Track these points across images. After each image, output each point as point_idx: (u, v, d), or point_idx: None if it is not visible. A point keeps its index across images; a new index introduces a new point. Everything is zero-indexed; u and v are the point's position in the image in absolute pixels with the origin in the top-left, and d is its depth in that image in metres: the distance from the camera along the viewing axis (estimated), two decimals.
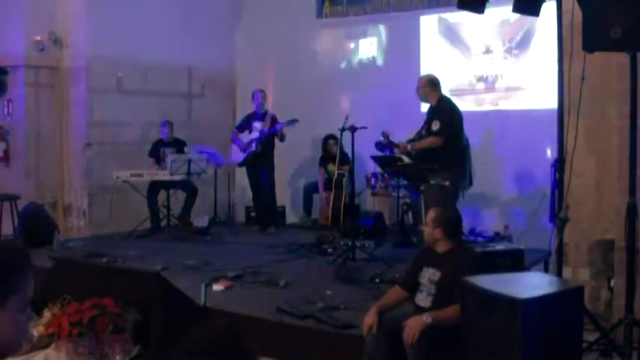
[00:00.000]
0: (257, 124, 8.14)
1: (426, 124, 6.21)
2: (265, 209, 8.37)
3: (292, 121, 7.82)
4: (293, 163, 9.38)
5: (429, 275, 3.77)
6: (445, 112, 6.10)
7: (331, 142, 8.42)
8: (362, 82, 8.84)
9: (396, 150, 6.51)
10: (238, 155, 8.31)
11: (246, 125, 8.27)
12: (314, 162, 8.86)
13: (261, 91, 8.29)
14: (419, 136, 6.28)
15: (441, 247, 3.81)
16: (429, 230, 3.83)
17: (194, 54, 9.02)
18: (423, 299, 3.74)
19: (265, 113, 8.17)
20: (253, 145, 8.08)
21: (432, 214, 3.88)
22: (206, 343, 1.54)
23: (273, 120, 8.08)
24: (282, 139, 8.06)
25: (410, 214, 7.63)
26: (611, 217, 4.83)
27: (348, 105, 8.64)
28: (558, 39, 4.69)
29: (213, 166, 8.40)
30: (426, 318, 3.43)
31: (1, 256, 1.52)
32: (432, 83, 6.25)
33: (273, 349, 4.41)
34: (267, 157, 8.16)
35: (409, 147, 6.24)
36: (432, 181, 5.86)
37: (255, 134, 8.10)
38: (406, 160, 6.56)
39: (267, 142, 8.08)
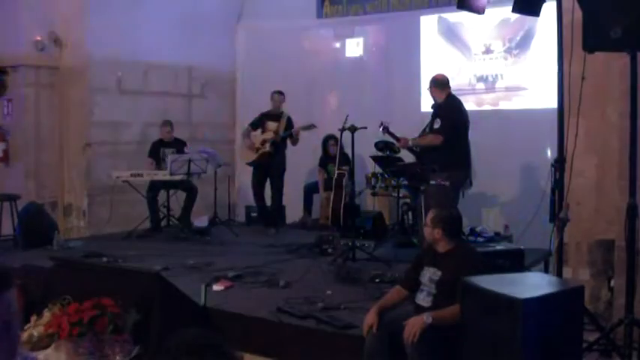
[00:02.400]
0: (271, 124, 8.11)
1: (430, 123, 6.23)
2: (270, 210, 8.35)
3: (309, 127, 7.77)
4: (293, 163, 9.37)
5: (429, 275, 3.77)
6: (448, 110, 6.11)
7: (331, 142, 8.42)
8: (362, 82, 8.84)
9: (397, 143, 6.51)
10: (247, 153, 8.27)
11: (260, 124, 8.22)
12: (314, 162, 8.86)
13: (281, 93, 8.18)
14: (422, 134, 6.31)
15: (442, 247, 3.81)
16: (429, 230, 3.84)
17: (194, 54, 9.02)
18: (423, 299, 3.74)
19: (281, 114, 8.13)
20: (267, 145, 8.05)
21: (431, 214, 3.89)
22: (188, 343, 1.54)
23: (289, 122, 8.05)
24: (295, 142, 8.03)
25: (410, 214, 7.63)
26: (611, 217, 4.83)
27: (347, 105, 8.62)
28: (558, 39, 4.69)
29: (214, 166, 8.40)
30: (427, 318, 3.43)
31: None
32: (437, 83, 6.27)
33: (273, 349, 4.41)
34: (279, 158, 8.12)
35: (410, 142, 6.25)
36: (432, 181, 5.85)
37: (269, 134, 8.08)
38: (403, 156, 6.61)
39: (279, 144, 8.05)
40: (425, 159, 6.15)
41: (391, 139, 6.69)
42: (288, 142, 8.12)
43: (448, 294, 3.55)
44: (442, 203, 5.04)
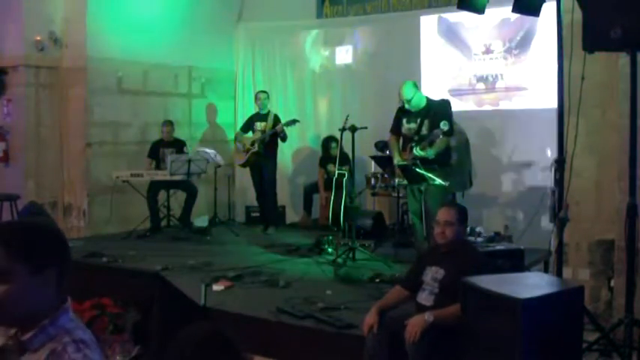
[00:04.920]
0: (259, 125, 8.17)
1: (419, 126, 5.88)
2: (266, 209, 8.40)
3: (292, 122, 7.86)
4: (293, 163, 9.39)
5: (432, 273, 3.76)
6: (448, 110, 5.96)
7: (332, 144, 8.39)
8: (362, 82, 8.84)
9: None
10: (239, 156, 8.34)
11: (249, 126, 8.30)
12: (314, 162, 8.86)
13: (264, 92, 8.35)
14: (419, 137, 5.86)
15: (450, 246, 3.79)
16: (456, 229, 3.79)
17: (194, 54, 9.02)
18: (425, 298, 3.73)
19: (267, 114, 8.19)
20: (255, 145, 8.09)
21: (455, 212, 3.84)
22: (192, 350, 1.54)
23: (276, 120, 8.10)
24: (283, 139, 8.09)
25: (410, 214, 7.62)
26: (611, 217, 4.83)
27: (347, 105, 8.63)
28: (558, 39, 4.69)
29: (214, 166, 8.40)
30: (428, 317, 3.43)
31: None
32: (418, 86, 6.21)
33: (273, 349, 4.41)
34: (270, 157, 8.17)
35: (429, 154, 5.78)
36: (431, 181, 5.83)
37: (257, 135, 8.13)
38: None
39: (269, 143, 8.10)
40: (424, 159, 6.00)
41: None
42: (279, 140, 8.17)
43: (450, 293, 3.54)
44: (442, 203, 5.03)
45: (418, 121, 5.91)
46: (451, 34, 8.22)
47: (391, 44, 8.72)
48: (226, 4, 9.58)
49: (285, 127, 7.93)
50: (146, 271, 5.69)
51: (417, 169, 5.75)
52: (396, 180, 6.30)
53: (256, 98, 8.33)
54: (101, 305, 4.42)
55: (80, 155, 8.12)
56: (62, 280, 1.65)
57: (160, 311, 4.42)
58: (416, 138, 5.86)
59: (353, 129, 6.49)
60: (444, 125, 5.61)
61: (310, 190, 8.80)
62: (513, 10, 5.05)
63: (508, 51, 7.81)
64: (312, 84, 9.34)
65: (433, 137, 5.66)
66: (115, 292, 4.59)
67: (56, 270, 1.63)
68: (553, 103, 5.00)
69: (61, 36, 8.04)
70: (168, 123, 8.21)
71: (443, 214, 3.84)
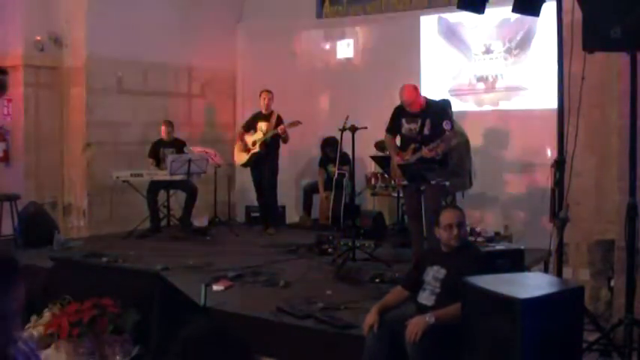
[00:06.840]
0: (262, 125, 8.13)
1: (420, 127, 5.83)
2: (266, 209, 8.39)
3: (295, 123, 7.83)
4: (293, 164, 9.38)
5: (433, 273, 3.76)
6: (448, 110, 5.99)
7: (332, 145, 8.37)
8: (362, 82, 8.83)
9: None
10: (240, 156, 8.31)
11: (252, 125, 8.27)
12: (314, 162, 8.86)
13: (269, 91, 8.22)
14: (422, 139, 5.80)
15: (452, 247, 3.79)
16: (464, 231, 3.82)
17: (194, 54, 9.02)
18: (426, 298, 3.73)
19: (271, 114, 8.16)
20: (257, 146, 8.08)
21: (461, 213, 3.85)
22: (194, 350, 1.55)
23: (278, 121, 8.07)
24: (285, 140, 8.06)
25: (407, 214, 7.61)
26: (611, 217, 4.83)
27: (347, 105, 8.63)
28: (558, 39, 4.68)
29: (214, 166, 8.40)
30: (429, 318, 3.43)
31: None
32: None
33: (273, 349, 4.41)
34: (271, 158, 8.15)
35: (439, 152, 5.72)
36: (432, 181, 5.83)
37: (259, 135, 8.11)
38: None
39: (271, 143, 8.07)
40: (424, 159, 5.99)
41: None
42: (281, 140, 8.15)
43: (452, 293, 3.53)
44: (443, 205, 5.02)
45: (419, 121, 5.87)
46: (451, 34, 8.22)
47: (391, 44, 8.72)
48: (226, 4, 9.58)
49: (287, 129, 7.91)
50: (146, 271, 5.69)
51: (418, 169, 5.75)
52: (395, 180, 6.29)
53: (261, 97, 8.27)
54: (101, 305, 4.41)
55: (80, 155, 8.13)
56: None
57: (159, 311, 4.41)
58: (419, 139, 5.84)
59: (353, 129, 6.49)
60: (445, 125, 5.63)
61: (310, 190, 8.80)
62: (513, 10, 5.05)
63: (508, 51, 7.81)
64: (313, 84, 9.34)
65: (446, 139, 5.64)
66: (115, 292, 4.58)
67: None
68: (553, 103, 5.00)
69: (61, 36, 8.05)
70: (167, 123, 8.21)
71: (454, 217, 3.79)
